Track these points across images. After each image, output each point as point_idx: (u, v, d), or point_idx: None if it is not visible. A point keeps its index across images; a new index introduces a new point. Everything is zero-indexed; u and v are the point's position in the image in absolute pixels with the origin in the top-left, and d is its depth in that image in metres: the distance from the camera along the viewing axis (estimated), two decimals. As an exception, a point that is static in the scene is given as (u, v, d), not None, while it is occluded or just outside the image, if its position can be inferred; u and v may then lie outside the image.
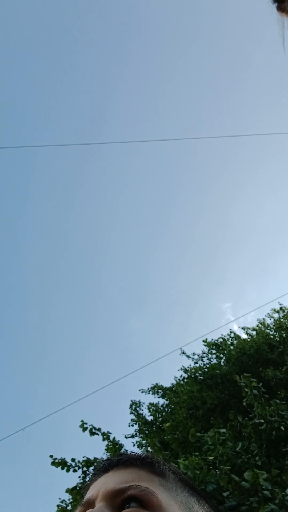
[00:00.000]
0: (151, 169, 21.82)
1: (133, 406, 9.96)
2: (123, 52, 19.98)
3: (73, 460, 4.91)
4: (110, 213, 21.74)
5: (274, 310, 9.83)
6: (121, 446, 5.76)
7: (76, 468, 4.93)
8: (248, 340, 9.32)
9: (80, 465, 4.90)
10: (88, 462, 4.82)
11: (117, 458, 0.61)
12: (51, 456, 4.78)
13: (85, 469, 4.79)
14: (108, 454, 5.73)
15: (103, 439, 5.63)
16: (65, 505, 6.45)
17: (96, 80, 19.87)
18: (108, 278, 22.38)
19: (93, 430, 5.57)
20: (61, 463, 4.85)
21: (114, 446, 5.60)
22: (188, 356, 10.02)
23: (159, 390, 10.19)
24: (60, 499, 6.44)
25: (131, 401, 10.16)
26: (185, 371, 9.88)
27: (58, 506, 6.39)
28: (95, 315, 23.01)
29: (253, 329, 9.70)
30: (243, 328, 9.61)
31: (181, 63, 19.95)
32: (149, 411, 9.88)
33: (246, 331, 9.61)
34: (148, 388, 10.26)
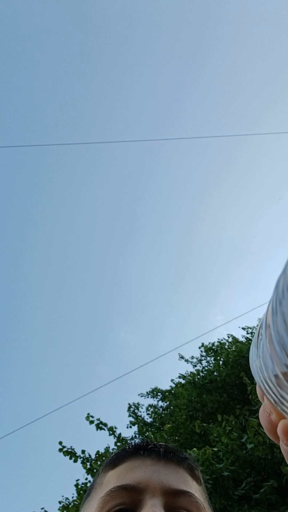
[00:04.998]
0: (144, 176, 22.01)
1: (132, 409, 9.94)
2: (123, 50, 20.23)
3: (83, 451, 4.90)
4: (102, 223, 21.81)
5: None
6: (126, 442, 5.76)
7: (85, 460, 4.92)
8: (245, 343, 9.39)
9: (90, 458, 4.88)
10: (98, 454, 4.82)
11: (170, 451, 0.60)
12: (60, 442, 4.74)
13: (99, 462, 4.76)
14: (115, 448, 5.74)
15: (109, 434, 5.63)
16: (67, 503, 6.41)
17: (94, 78, 20.06)
18: (102, 289, 22.37)
19: (100, 425, 5.59)
20: (70, 453, 4.83)
21: (121, 442, 5.60)
22: (186, 360, 10.03)
23: (158, 393, 10.20)
24: (62, 496, 6.41)
25: (129, 404, 10.15)
26: (183, 377, 9.89)
27: (60, 502, 6.35)
28: (90, 324, 22.94)
29: (254, 329, 9.75)
30: (243, 328, 9.68)
31: (178, 63, 20.20)
32: (148, 413, 9.87)
33: (247, 331, 9.66)
34: (147, 392, 10.27)
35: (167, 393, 10.01)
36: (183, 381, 9.79)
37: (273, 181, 22.03)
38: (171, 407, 9.52)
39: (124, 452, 0.60)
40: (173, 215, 21.23)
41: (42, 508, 5.46)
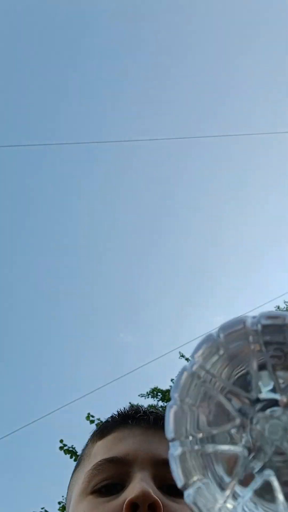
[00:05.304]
0: (142, 177, 22.01)
1: (132, 409, 9.95)
2: (124, 52, 20.27)
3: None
4: (100, 224, 21.81)
5: (278, 308, 9.93)
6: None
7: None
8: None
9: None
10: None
11: (161, 418, 0.56)
12: (61, 441, 4.71)
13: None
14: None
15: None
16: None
17: (96, 79, 20.07)
18: (99, 290, 22.37)
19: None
20: (71, 452, 4.80)
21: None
22: (187, 359, 10.03)
23: (158, 393, 10.19)
24: (62, 496, 6.36)
25: (129, 403, 10.14)
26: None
27: (59, 503, 6.30)
28: (86, 327, 22.97)
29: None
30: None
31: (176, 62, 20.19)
32: (148, 414, 9.88)
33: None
34: (147, 392, 10.25)
35: (167, 393, 9.99)
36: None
37: (275, 182, 22.07)
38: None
39: (112, 422, 0.58)
40: (171, 214, 21.28)
41: (42, 508, 5.43)
